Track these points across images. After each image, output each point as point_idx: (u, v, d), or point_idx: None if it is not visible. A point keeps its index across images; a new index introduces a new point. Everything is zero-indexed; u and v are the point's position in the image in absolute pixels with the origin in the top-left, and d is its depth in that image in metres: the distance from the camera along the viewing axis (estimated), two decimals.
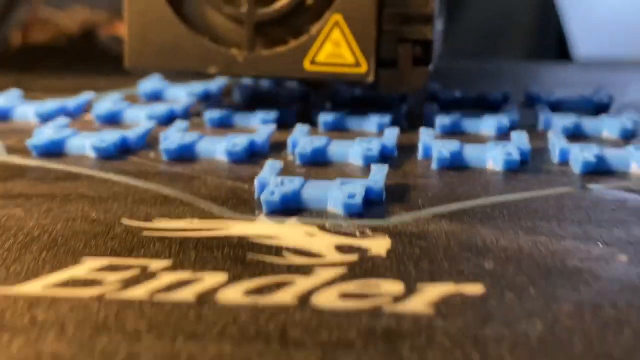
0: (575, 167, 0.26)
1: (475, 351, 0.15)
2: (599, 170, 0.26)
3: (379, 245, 0.20)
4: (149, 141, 0.29)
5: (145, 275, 0.18)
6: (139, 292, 0.17)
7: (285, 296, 0.17)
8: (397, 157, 0.27)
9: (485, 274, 0.18)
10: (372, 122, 0.31)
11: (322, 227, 0.21)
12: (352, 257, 0.19)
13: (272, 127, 0.29)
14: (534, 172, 0.26)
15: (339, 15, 0.29)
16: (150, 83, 0.37)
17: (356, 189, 0.22)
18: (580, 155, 0.26)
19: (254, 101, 0.34)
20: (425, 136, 0.28)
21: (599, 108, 0.34)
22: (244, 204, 0.23)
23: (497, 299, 0.17)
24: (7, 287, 0.17)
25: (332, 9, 0.29)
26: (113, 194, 0.24)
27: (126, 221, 0.21)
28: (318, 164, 0.26)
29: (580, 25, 0.79)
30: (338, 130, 0.31)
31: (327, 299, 0.17)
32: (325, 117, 0.31)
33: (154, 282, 0.18)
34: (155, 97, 0.36)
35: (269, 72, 0.30)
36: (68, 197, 0.23)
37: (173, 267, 0.18)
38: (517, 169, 0.26)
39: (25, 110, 0.32)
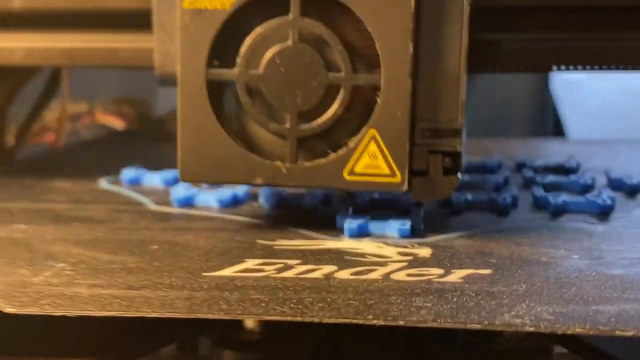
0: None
1: (487, 298, 0.27)
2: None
3: (424, 252, 0.32)
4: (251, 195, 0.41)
5: (287, 266, 0.30)
6: (288, 274, 0.29)
7: (375, 275, 0.29)
8: None
9: (491, 265, 0.30)
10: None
11: (386, 243, 0.33)
12: (409, 257, 0.31)
13: None
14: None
15: (374, 130, 0.32)
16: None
17: (405, 221, 0.34)
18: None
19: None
20: None
21: (569, 171, 0.47)
22: (329, 230, 0.35)
23: (499, 276, 0.29)
24: (212, 272, 0.29)
25: (368, 124, 0.32)
26: (240, 227, 0.36)
27: (260, 241, 0.33)
28: None
29: (573, 111, 0.91)
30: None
31: (400, 276, 0.29)
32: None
33: (295, 269, 0.29)
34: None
35: (311, 182, 0.33)
36: (213, 229, 0.35)
37: (303, 263, 0.30)
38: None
39: (152, 177, 0.45)
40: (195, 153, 0.33)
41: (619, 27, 0.39)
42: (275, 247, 0.32)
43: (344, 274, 0.29)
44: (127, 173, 0.45)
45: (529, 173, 0.45)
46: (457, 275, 0.29)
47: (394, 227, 0.34)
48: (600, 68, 0.39)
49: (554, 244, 0.33)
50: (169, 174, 0.45)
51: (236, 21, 0.32)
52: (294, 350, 0.34)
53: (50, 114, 0.60)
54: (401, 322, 0.25)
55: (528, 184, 0.44)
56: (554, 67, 0.39)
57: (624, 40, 0.39)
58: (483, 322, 0.24)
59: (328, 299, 0.26)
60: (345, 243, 0.33)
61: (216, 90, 0.33)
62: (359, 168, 0.32)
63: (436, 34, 0.31)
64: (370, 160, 0.32)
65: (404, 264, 0.30)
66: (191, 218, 0.37)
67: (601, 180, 0.44)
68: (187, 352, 0.47)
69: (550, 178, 0.44)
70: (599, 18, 0.39)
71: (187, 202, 0.40)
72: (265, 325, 0.34)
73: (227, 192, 0.40)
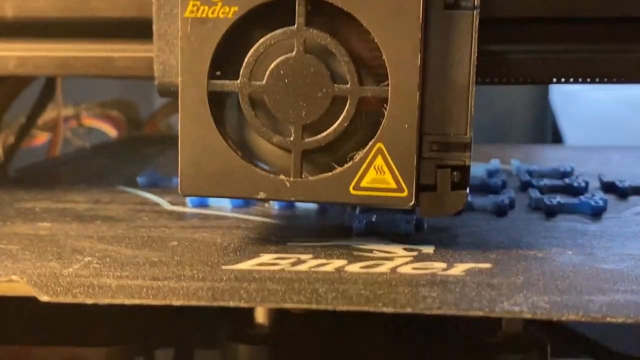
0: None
1: (488, 288, 0.29)
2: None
3: (428, 248, 0.34)
4: None
5: (300, 261, 0.32)
6: (302, 267, 0.31)
7: (382, 268, 0.31)
8: None
9: (491, 259, 0.32)
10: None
11: (393, 240, 0.35)
12: (414, 253, 0.33)
13: None
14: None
15: (381, 143, 0.31)
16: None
17: (410, 218, 0.36)
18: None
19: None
20: None
21: (564, 175, 0.49)
22: (338, 231, 0.37)
23: (498, 270, 0.31)
24: (230, 266, 0.31)
25: (375, 137, 0.31)
26: (253, 225, 0.38)
27: (273, 237, 0.35)
28: None
29: (571, 121, 0.94)
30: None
31: (406, 270, 0.31)
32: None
33: (308, 263, 0.31)
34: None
35: (316, 197, 0.32)
36: (227, 227, 0.37)
37: (314, 258, 0.32)
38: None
39: (166, 180, 0.47)
40: (196, 166, 0.32)
41: (617, 40, 0.39)
42: (289, 243, 0.35)
43: (354, 268, 0.31)
44: (142, 176, 0.47)
45: (525, 176, 0.47)
46: (459, 269, 0.31)
47: (400, 225, 0.36)
48: (602, 81, 0.39)
49: (549, 242, 0.35)
50: None
51: (239, 31, 0.32)
52: (303, 344, 0.36)
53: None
54: (409, 310, 0.27)
55: (525, 186, 0.46)
56: (554, 80, 0.39)
57: (622, 52, 0.39)
58: (484, 310, 0.26)
59: (340, 289, 0.28)
60: (353, 240, 0.35)
61: (218, 102, 0.32)
62: (365, 182, 0.31)
63: (445, 45, 0.31)
64: (377, 175, 0.31)
65: (410, 258, 0.32)
66: (206, 217, 0.39)
67: (594, 184, 0.47)
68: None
69: (546, 181, 0.46)
70: (599, 31, 0.39)
71: (201, 203, 0.42)
72: (275, 320, 0.36)
73: None
